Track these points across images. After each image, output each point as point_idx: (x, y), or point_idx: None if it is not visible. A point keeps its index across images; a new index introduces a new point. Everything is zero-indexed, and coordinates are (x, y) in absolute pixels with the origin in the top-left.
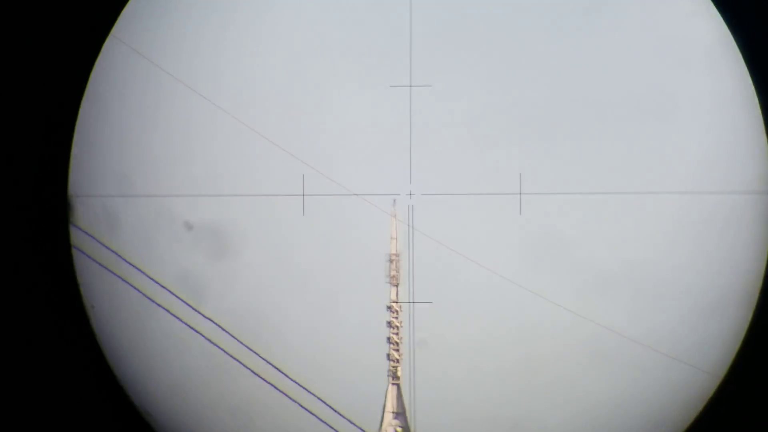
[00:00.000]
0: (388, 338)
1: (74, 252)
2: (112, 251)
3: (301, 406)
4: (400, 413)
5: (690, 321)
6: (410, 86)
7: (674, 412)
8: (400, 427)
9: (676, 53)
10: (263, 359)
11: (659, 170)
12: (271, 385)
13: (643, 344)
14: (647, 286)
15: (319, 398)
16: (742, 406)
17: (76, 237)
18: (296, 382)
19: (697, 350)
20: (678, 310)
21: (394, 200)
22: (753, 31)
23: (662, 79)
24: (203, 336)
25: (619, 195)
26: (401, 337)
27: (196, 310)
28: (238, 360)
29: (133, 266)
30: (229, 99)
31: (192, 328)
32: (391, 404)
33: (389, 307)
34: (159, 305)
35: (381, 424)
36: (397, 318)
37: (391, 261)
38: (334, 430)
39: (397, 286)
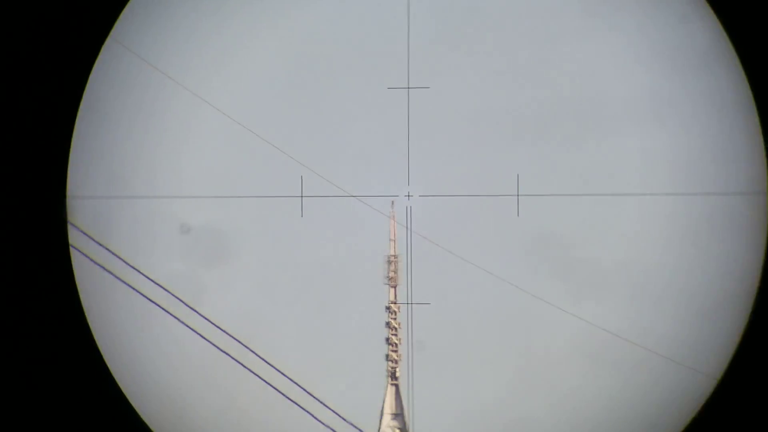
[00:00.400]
0: (387, 339)
1: (72, 252)
2: (110, 252)
3: (299, 406)
4: (399, 414)
5: (687, 322)
6: (408, 88)
7: (671, 412)
8: (398, 428)
9: (672, 57)
10: (261, 360)
11: (655, 172)
12: (270, 385)
13: (640, 345)
14: (645, 287)
15: (317, 399)
16: (738, 406)
17: (74, 237)
18: (295, 383)
19: (695, 352)
20: (675, 312)
21: (393, 202)
22: (748, 33)
23: (659, 82)
24: (201, 336)
25: (617, 197)
26: (400, 338)
27: (194, 311)
28: (236, 360)
29: (131, 266)
30: (227, 101)
31: (190, 329)
32: (389, 405)
33: (388, 308)
34: (156, 305)
35: (380, 425)
36: (395, 319)
37: (389, 262)
38: (333, 430)
39: (395, 287)
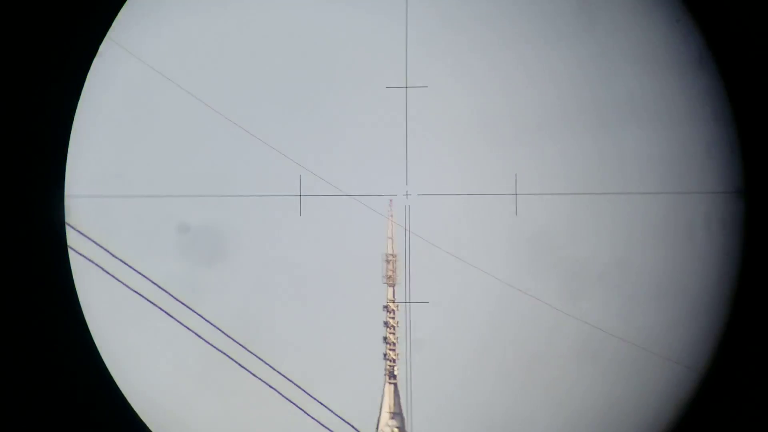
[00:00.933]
0: (385, 338)
1: (70, 253)
2: (108, 252)
3: (297, 406)
4: (397, 413)
5: (681, 319)
6: (406, 87)
7: (665, 410)
8: (397, 427)
9: (671, 57)
10: (259, 359)
11: (655, 171)
12: (268, 385)
13: (635, 344)
14: (644, 285)
15: (315, 398)
16: (727, 402)
17: (72, 238)
18: (292, 382)
19: (685, 348)
20: (669, 309)
21: (391, 201)
22: (725, 36)
23: (659, 82)
24: (199, 336)
25: (617, 195)
26: (398, 337)
27: (192, 311)
28: (234, 360)
29: (129, 267)
30: (225, 101)
31: (188, 329)
32: (387, 404)
33: (386, 307)
34: (155, 305)
35: (378, 424)
36: (393, 318)
37: (387, 261)
38: (330, 430)
39: (393, 286)
